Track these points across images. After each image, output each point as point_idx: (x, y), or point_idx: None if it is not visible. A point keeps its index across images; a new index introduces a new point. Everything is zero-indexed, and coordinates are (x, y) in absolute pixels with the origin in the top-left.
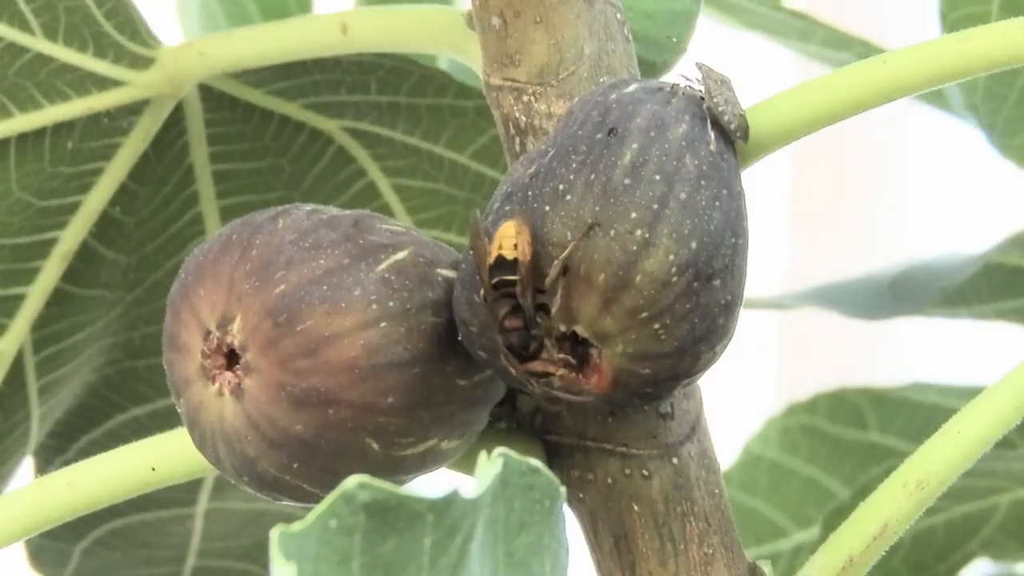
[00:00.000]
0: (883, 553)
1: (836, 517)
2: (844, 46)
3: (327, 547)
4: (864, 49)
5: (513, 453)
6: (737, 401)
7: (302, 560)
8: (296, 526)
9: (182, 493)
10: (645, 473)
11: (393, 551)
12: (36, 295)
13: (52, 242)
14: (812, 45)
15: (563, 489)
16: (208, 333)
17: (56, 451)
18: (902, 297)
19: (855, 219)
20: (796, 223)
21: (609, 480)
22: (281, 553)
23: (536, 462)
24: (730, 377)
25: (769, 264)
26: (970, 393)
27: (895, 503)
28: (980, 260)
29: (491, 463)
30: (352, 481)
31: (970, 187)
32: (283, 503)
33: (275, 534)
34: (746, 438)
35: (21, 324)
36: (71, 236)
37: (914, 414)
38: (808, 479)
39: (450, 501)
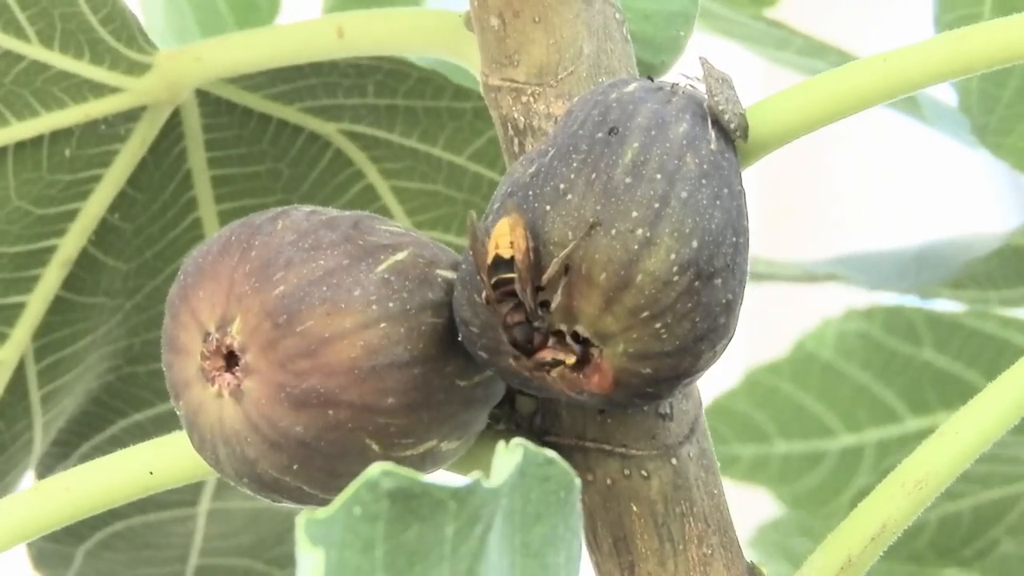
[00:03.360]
0: (908, 535)
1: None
2: (820, 55)
3: (351, 534)
4: (839, 58)
5: (530, 443)
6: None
7: (327, 546)
8: (321, 512)
9: (185, 494)
10: (644, 474)
11: (416, 538)
12: (36, 303)
13: (51, 250)
14: (788, 53)
15: (578, 480)
16: (207, 334)
17: (58, 458)
18: (927, 269)
19: (824, 218)
20: (765, 221)
21: (608, 481)
22: (307, 538)
23: (552, 453)
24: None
25: None
26: None
27: (893, 503)
28: (1002, 239)
29: (511, 452)
30: (376, 468)
31: (941, 183)
32: (283, 504)
33: (301, 520)
34: (800, 334)
35: (22, 333)
36: (70, 243)
37: (970, 339)
38: (861, 385)
39: (472, 490)
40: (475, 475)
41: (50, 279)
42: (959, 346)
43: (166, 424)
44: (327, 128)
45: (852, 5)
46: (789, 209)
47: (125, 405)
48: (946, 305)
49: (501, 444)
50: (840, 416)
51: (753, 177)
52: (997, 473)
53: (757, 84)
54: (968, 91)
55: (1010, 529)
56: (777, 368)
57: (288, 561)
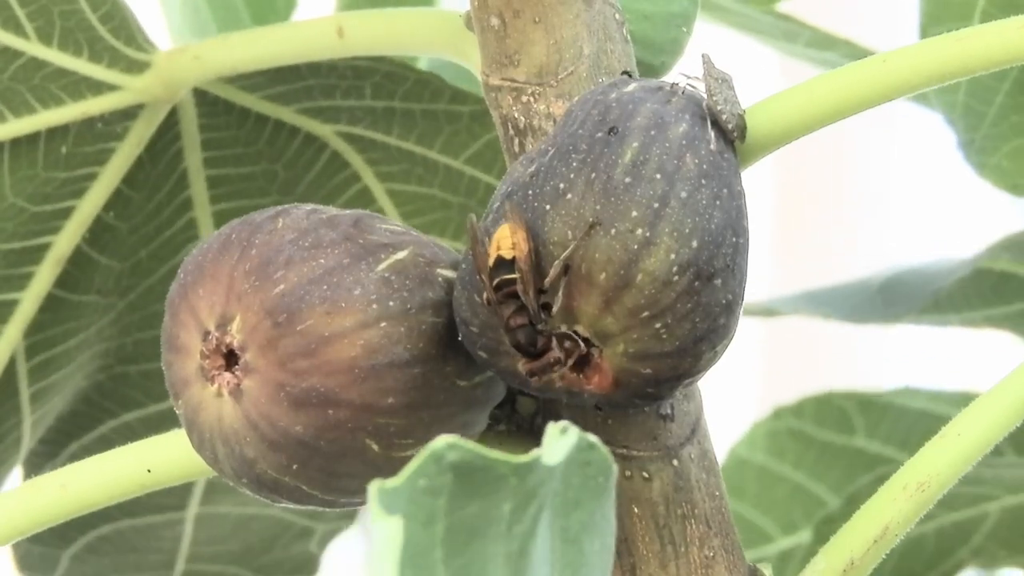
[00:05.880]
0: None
1: (827, 525)
2: (829, 47)
3: (415, 506)
4: (849, 49)
5: (577, 428)
6: (723, 403)
7: (401, 516)
8: (391, 482)
9: (173, 498)
10: (645, 475)
11: (475, 515)
12: (29, 301)
13: (45, 247)
14: (797, 46)
15: (615, 467)
16: (207, 333)
17: (47, 457)
18: (891, 302)
19: (836, 224)
20: (778, 224)
21: None
22: (381, 507)
23: (594, 437)
24: (716, 378)
25: (753, 265)
26: (959, 399)
27: (895, 506)
28: (969, 265)
29: (565, 433)
30: (441, 441)
31: (952, 191)
32: (280, 505)
33: (374, 488)
34: (732, 442)
35: (14, 330)
36: (64, 241)
37: (900, 419)
38: (795, 484)
39: (532, 466)
40: (535, 452)
41: (43, 277)
42: (890, 428)
43: (156, 425)
44: (324, 130)
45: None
46: (806, 213)
47: (115, 405)
48: (909, 330)
49: (551, 424)
50: (776, 521)
51: (769, 180)
52: (961, 495)
53: (774, 74)
54: (952, 106)
55: (975, 551)
56: None
57: (276, 569)
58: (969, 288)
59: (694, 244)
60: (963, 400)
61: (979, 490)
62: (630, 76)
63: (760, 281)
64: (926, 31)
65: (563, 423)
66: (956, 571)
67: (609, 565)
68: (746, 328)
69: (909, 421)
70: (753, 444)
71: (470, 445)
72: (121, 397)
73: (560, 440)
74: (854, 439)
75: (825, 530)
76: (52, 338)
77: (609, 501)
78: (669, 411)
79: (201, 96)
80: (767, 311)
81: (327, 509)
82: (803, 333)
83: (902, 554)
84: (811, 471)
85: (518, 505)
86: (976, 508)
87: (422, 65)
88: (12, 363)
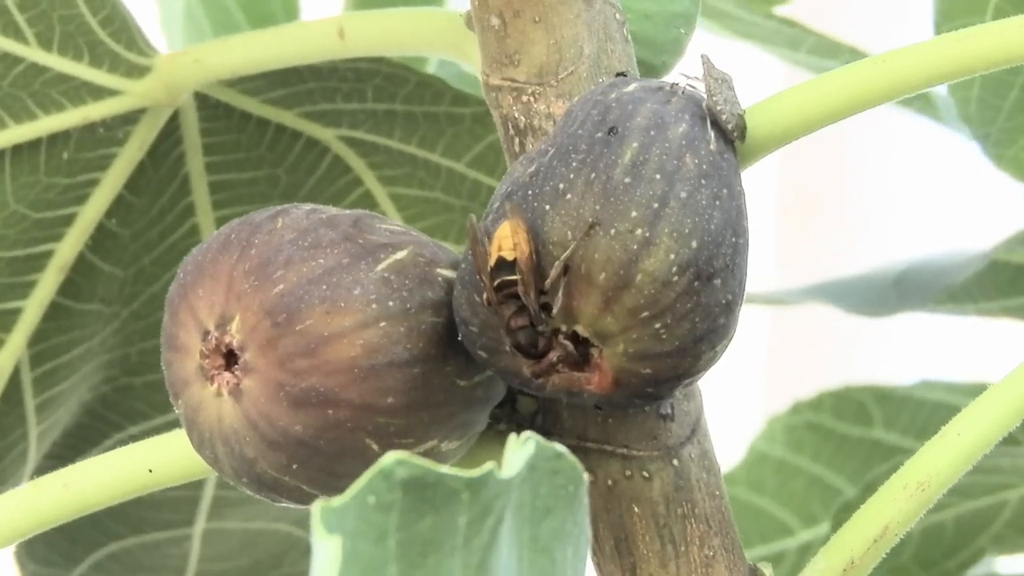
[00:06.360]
0: (892, 550)
1: (844, 514)
2: (833, 54)
3: (365, 523)
4: (853, 56)
5: (540, 437)
6: (727, 398)
7: (343, 535)
8: (336, 501)
9: (180, 514)
10: (646, 475)
11: (429, 529)
12: (33, 309)
13: (48, 255)
14: (801, 53)
15: (586, 476)
16: (207, 333)
17: (53, 471)
18: (906, 294)
19: (842, 218)
20: (782, 222)
21: (610, 482)
22: (323, 526)
23: (561, 447)
24: (720, 373)
25: (757, 263)
26: (976, 391)
27: (896, 505)
28: (985, 258)
29: (523, 444)
30: (390, 458)
31: (958, 186)
32: (282, 505)
33: (316, 508)
34: (750, 437)
35: (18, 339)
36: (67, 248)
37: (918, 411)
38: (813, 477)
39: (485, 480)
40: (488, 466)
41: (47, 284)
42: (908, 420)
43: None
44: (325, 134)
45: (865, 2)
46: (809, 212)
47: (120, 417)
48: (909, 329)
49: (512, 436)
50: (796, 514)
51: (773, 179)
52: (980, 483)
53: (778, 82)
54: (967, 100)
55: (994, 539)
56: (732, 477)
57: None
58: (986, 280)
59: (694, 244)
60: (978, 391)
61: (998, 479)
62: (628, 76)
63: (764, 280)
64: (940, 27)
65: (526, 434)
66: (976, 559)
67: (582, 573)
68: (749, 326)
69: (926, 413)
70: (771, 438)
71: (420, 461)
72: (126, 409)
73: (517, 452)
74: (872, 431)
75: (843, 519)
76: (56, 347)
77: (581, 509)
78: (669, 411)
79: (202, 100)
80: (780, 301)
81: None
82: (806, 331)
83: (921, 543)
84: (830, 463)
85: (474, 518)
86: (995, 496)
87: (431, 67)
88: (16, 372)
